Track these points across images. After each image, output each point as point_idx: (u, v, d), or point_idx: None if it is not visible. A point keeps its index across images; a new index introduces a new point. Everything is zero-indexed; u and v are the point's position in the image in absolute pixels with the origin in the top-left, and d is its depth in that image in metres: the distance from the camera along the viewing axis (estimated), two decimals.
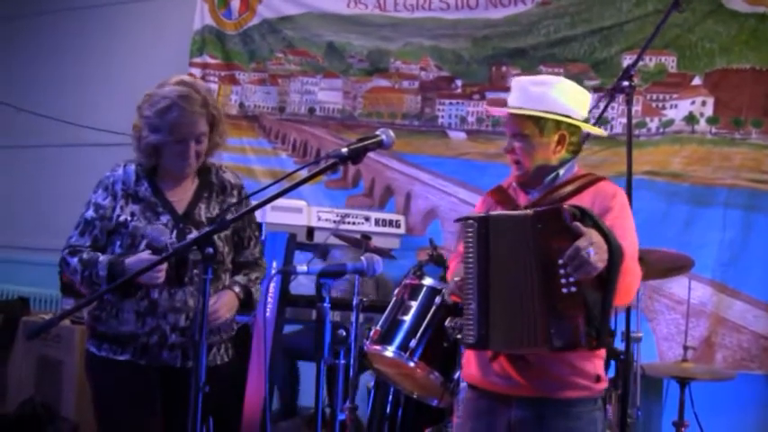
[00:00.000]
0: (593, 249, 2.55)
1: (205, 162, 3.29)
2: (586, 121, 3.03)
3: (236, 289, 3.24)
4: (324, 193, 6.19)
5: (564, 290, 2.61)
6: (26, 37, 8.11)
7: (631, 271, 2.76)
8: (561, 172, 2.99)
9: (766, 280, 5.05)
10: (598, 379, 2.91)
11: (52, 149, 7.72)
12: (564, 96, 2.96)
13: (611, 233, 2.64)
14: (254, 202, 3.06)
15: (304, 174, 2.93)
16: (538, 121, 2.95)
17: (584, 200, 2.90)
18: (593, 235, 2.59)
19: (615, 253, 2.62)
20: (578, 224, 2.61)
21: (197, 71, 6.78)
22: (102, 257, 3.09)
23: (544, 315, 2.65)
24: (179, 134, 3.12)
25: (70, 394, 5.96)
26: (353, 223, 5.01)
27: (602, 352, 2.88)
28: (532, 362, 2.81)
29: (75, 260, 3.11)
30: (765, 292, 5.04)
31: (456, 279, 2.89)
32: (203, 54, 6.83)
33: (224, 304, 3.17)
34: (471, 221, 2.79)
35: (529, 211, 2.76)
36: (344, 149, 2.71)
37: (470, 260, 2.78)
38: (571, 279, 2.59)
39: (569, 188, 2.95)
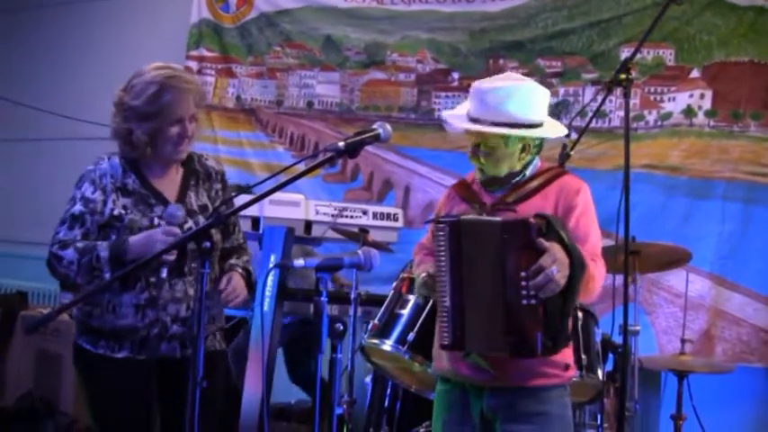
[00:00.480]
0: (556, 267, 2.60)
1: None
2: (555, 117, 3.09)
3: (240, 270, 3.26)
4: (322, 187, 6.19)
5: (524, 301, 2.66)
6: (24, 31, 8.10)
7: (593, 276, 2.80)
8: (527, 173, 3.03)
9: (765, 273, 5.05)
10: (567, 367, 2.98)
11: (50, 143, 7.71)
12: (523, 105, 2.95)
13: (574, 247, 2.69)
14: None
15: (301, 167, 2.92)
16: (502, 135, 2.96)
17: (548, 195, 2.96)
18: (557, 251, 2.63)
19: (577, 267, 2.67)
20: (542, 240, 2.64)
21: (194, 64, 6.78)
22: (100, 242, 3.07)
23: (504, 324, 2.71)
24: (175, 115, 3.11)
25: (69, 388, 5.96)
26: (351, 217, 5.00)
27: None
28: (503, 357, 2.85)
29: (69, 251, 3.06)
30: (764, 285, 5.04)
31: (423, 275, 2.95)
32: (200, 47, 6.81)
33: (238, 283, 3.21)
34: (442, 225, 2.82)
35: (498, 219, 2.80)
36: (341, 143, 2.71)
37: (443, 261, 2.81)
38: (532, 292, 2.64)
39: (534, 184, 3.00)
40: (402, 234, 5.25)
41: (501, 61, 5.86)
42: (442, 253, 2.80)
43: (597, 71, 5.51)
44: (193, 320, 2.93)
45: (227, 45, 6.76)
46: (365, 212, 5.06)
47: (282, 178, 2.78)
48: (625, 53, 5.31)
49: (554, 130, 3.05)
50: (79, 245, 3.08)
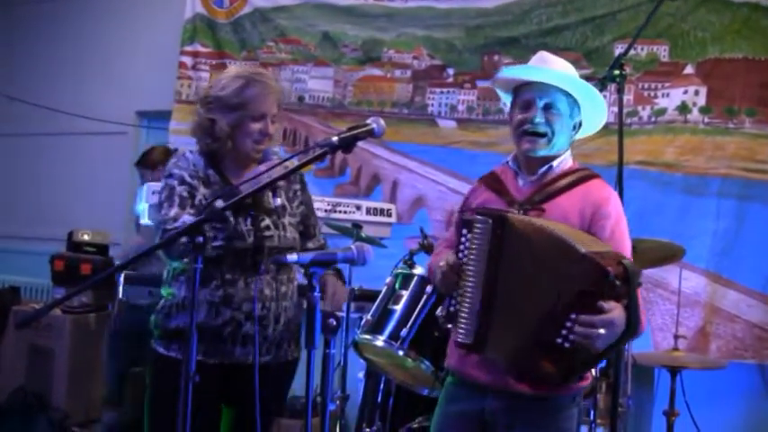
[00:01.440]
0: (606, 331, 2.49)
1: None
2: None
3: (331, 272, 3.23)
4: (312, 182, 6.14)
5: (558, 340, 2.56)
6: (20, 26, 8.08)
7: (642, 321, 2.66)
8: (555, 164, 2.90)
9: (760, 269, 5.05)
10: (580, 377, 2.88)
11: (46, 138, 7.70)
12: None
13: (636, 307, 2.55)
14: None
15: (295, 162, 2.92)
16: (573, 99, 2.90)
17: (574, 197, 2.86)
18: (616, 316, 2.51)
19: (630, 331, 2.56)
20: (606, 304, 2.49)
21: (188, 60, 6.77)
22: (208, 199, 3.03)
23: (527, 349, 2.65)
24: (259, 109, 3.11)
25: (61, 383, 5.97)
26: (345, 212, 5.00)
27: None
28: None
29: (184, 218, 2.98)
30: (759, 282, 5.04)
31: (442, 264, 2.82)
32: (194, 42, 6.80)
33: (337, 287, 3.20)
34: (487, 219, 2.72)
35: (582, 250, 2.53)
36: (335, 138, 2.70)
37: (475, 257, 2.73)
38: (570, 336, 2.54)
39: (563, 182, 2.88)
40: (392, 229, 5.26)
41: (496, 57, 5.86)
42: (477, 248, 2.73)
43: (591, 67, 5.51)
44: (269, 319, 3.00)
45: (221, 40, 6.75)
46: (359, 207, 5.06)
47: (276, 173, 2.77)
48: (619, 49, 5.31)
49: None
50: (190, 210, 3.04)
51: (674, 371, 4.29)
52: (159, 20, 7.18)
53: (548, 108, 2.85)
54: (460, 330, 2.76)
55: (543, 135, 2.84)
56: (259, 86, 3.12)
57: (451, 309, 2.84)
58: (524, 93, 2.89)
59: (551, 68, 2.94)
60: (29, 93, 7.55)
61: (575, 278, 2.53)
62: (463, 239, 2.80)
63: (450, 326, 2.89)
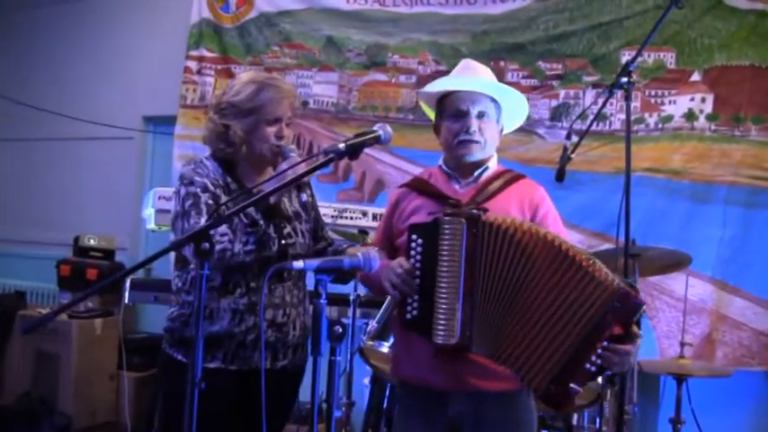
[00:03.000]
0: (634, 356, 2.62)
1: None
2: None
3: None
4: (315, 187, 6.13)
5: (587, 365, 2.61)
6: (22, 29, 8.09)
7: None
8: (489, 165, 3.07)
9: (766, 277, 5.04)
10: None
11: (52, 143, 7.71)
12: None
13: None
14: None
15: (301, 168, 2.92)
16: (497, 104, 3.04)
17: (511, 196, 2.99)
18: (634, 347, 2.62)
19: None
20: (636, 329, 2.61)
21: (194, 64, 6.78)
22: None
23: (556, 365, 2.63)
24: (273, 113, 3.12)
25: (67, 388, 5.98)
26: (351, 218, 4.99)
27: None
28: (470, 358, 2.82)
29: (217, 227, 2.93)
30: (765, 289, 5.03)
31: (399, 270, 2.82)
32: (200, 47, 6.80)
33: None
34: (460, 219, 2.77)
35: (619, 283, 2.61)
36: (342, 145, 2.69)
37: (447, 258, 2.76)
38: (599, 361, 2.60)
39: (497, 184, 3.02)
40: None
41: (502, 63, 5.85)
42: (449, 248, 2.75)
43: (598, 74, 5.51)
44: (289, 326, 3.03)
45: (227, 45, 6.75)
46: (365, 214, 5.06)
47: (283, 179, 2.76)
48: (626, 56, 5.31)
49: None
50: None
51: (680, 378, 4.27)
52: (165, 24, 7.19)
53: (480, 116, 3.00)
54: (439, 332, 2.75)
55: (477, 142, 2.99)
56: (273, 90, 3.13)
57: (413, 313, 2.83)
58: (455, 102, 3.02)
59: (480, 76, 3.11)
60: (35, 97, 7.55)
61: (618, 310, 2.59)
62: (413, 245, 2.83)
63: (412, 331, 2.86)
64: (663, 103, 5.36)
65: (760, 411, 5.14)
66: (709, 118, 5.23)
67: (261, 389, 2.71)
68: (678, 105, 5.31)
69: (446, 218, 2.78)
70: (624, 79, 3.42)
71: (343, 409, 4.70)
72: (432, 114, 3.19)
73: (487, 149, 3.02)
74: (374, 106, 6.28)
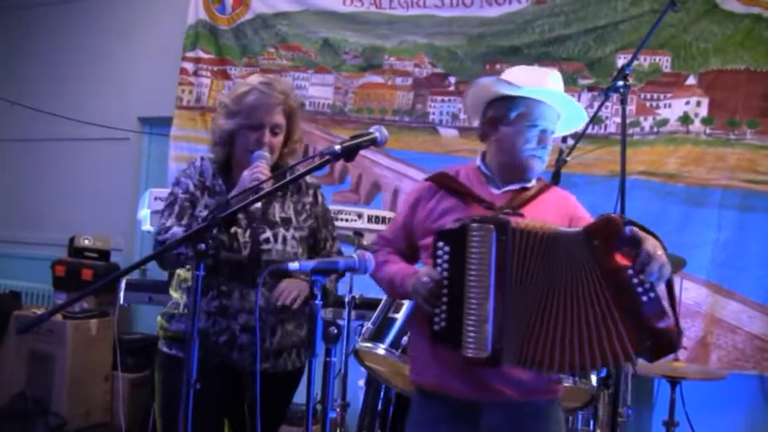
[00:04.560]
0: (660, 250, 2.53)
1: (280, 162, 3.25)
2: None
3: (303, 277, 3.15)
4: None
5: (644, 298, 2.54)
6: (18, 30, 8.09)
7: None
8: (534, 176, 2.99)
9: (761, 280, 5.05)
10: (559, 381, 2.95)
11: (47, 144, 7.71)
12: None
13: (649, 230, 2.62)
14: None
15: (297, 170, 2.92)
16: (559, 117, 2.97)
17: (547, 203, 2.93)
18: (648, 235, 2.58)
19: (663, 245, 2.61)
20: (635, 229, 2.57)
21: (190, 66, 6.78)
22: (198, 212, 3.09)
23: (632, 330, 2.55)
24: (255, 118, 3.12)
25: (61, 389, 5.97)
26: (346, 220, 5.00)
27: None
28: (503, 370, 2.73)
29: (174, 230, 3.03)
30: (760, 293, 5.04)
31: (426, 280, 2.74)
32: (196, 48, 6.80)
33: (288, 285, 3.14)
34: (488, 226, 2.66)
35: (577, 229, 2.66)
36: (338, 147, 2.68)
37: (476, 267, 2.66)
38: (646, 285, 2.53)
39: (532, 191, 2.94)
40: None
41: (498, 66, 5.85)
42: (478, 257, 2.65)
43: (593, 77, 5.52)
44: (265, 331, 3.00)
45: (223, 47, 6.76)
46: (360, 216, 5.06)
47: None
48: (621, 60, 5.32)
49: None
50: (183, 222, 3.07)
51: (674, 381, 4.28)
52: (161, 26, 7.19)
53: (551, 133, 2.93)
54: (470, 345, 2.65)
55: (543, 161, 2.93)
56: (260, 95, 3.13)
57: (441, 325, 2.74)
58: (531, 114, 2.89)
59: (560, 91, 2.97)
60: (31, 98, 7.55)
61: (599, 249, 2.57)
62: (440, 252, 2.75)
63: (440, 343, 2.77)
64: (658, 107, 5.37)
65: (754, 414, 5.15)
66: (705, 122, 5.24)
67: (256, 391, 2.72)
68: (673, 109, 5.33)
69: (474, 224, 2.68)
70: (620, 83, 3.43)
71: (338, 410, 4.70)
72: (476, 102, 3.04)
73: (543, 167, 2.95)
74: (370, 108, 6.28)
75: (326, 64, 6.46)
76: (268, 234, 3.15)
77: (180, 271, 3.17)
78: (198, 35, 6.82)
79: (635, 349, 2.57)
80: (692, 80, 5.30)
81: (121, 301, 5.55)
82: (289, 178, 2.90)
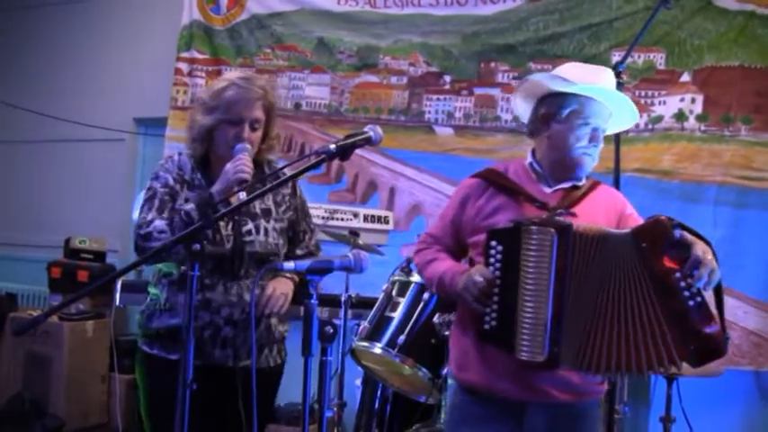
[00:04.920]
0: (710, 255, 2.53)
1: (258, 158, 3.24)
2: None
3: (287, 275, 3.20)
4: (306, 188, 6.11)
5: (690, 302, 2.54)
6: (17, 33, 8.07)
7: None
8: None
9: (756, 277, 5.06)
10: (603, 381, 2.94)
11: (42, 145, 7.69)
12: None
13: (699, 234, 2.62)
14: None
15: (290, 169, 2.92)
16: (611, 115, 2.97)
17: (596, 202, 2.93)
18: (698, 239, 2.58)
19: (712, 248, 2.61)
20: (685, 233, 2.58)
21: (185, 66, 6.77)
22: (179, 205, 3.07)
23: (677, 333, 2.56)
24: (235, 113, 3.11)
25: (58, 390, 5.97)
26: (342, 219, 5.00)
27: None
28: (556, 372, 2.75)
29: (156, 223, 3.00)
30: (755, 289, 5.05)
31: (478, 279, 2.73)
32: (191, 49, 6.79)
33: (276, 289, 3.15)
34: (550, 230, 2.65)
35: (626, 231, 2.68)
36: (332, 146, 2.68)
37: (533, 270, 2.66)
38: (693, 290, 2.53)
39: (581, 189, 2.94)
40: (389, 236, 5.26)
41: (493, 64, 5.87)
42: (536, 260, 2.65)
43: None
44: (250, 323, 2.95)
45: (218, 47, 6.74)
46: (356, 215, 5.07)
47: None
48: (616, 57, 5.32)
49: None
50: (164, 215, 3.05)
51: (671, 378, 4.28)
52: (156, 26, 7.18)
53: (602, 132, 2.94)
54: (524, 348, 2.65)
55: (593, 160, 2.93)
56: (239, 90, 3.12)
57: (492, 324, 2.74)
58: (586, 112, 2.89)
59: (614, 91, 2.97)
60: (25, 100, 7.53)
61: (647, 251, 2.58)
62: (492, 251, 2.74)
63: (489, 342, 2.78)
64: (653, 104, 5.38)
65: (750, 410, 5.16)
66: (699, 118, 5.25)
67: (252, 387, 2.72)
68: (668, 106, 5.33)
69: (533, 227, 2.68)
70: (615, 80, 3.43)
71: (335, 409, 4.71)
72: (527, 98, 3.04)
73: (593, 165, 2.96)
74: (366, 108, 6.28)
75: (322, 64, 6.46)
76: (250, 226, 3.15)
77: (161, 266, 3.16)
78: (192, 35, 6.81)
79: (680, 354, 2.58)
80: (686, 77, 5.31)
81: (117, 303, 5.56)
82: (283, 178, 2.90)
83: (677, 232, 2.57)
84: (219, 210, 2.81)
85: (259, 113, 3.16)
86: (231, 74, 3.27)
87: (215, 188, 3.01)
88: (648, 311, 2.59)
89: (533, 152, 3.03)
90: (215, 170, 3.16)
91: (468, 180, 3.07)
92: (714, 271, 2.52)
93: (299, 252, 3.33)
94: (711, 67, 5.25)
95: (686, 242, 2.56)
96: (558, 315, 2.63)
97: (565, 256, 2.64)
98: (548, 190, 2.93)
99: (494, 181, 2.98)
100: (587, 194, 2.92)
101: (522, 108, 3.08)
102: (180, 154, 3.23)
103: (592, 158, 2.91)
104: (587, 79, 2.90)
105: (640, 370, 2.61)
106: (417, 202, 5.93)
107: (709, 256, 2.53)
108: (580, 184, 2.95)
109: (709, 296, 2.61)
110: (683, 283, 2.54)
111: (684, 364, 2.62)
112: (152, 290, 3.21)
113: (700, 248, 2.53)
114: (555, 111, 2.91)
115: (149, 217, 3.03)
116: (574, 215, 2.78)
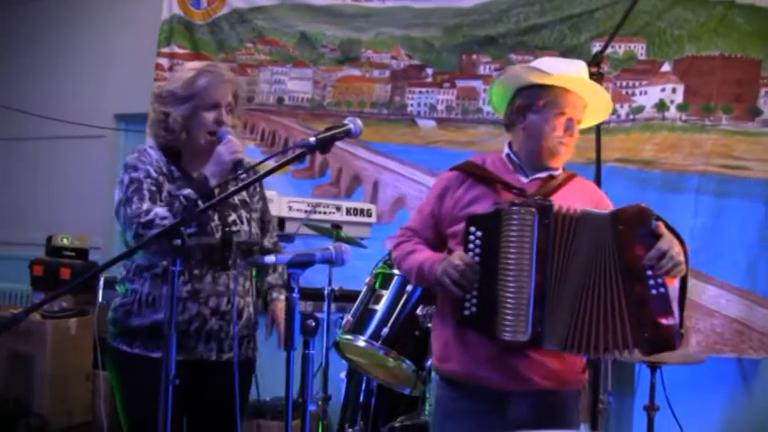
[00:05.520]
0: (677, 248, 2.58)
1: None
2: None
3: (282, 299, 3.30)
4: (290, 183, 6.15)
5: (653, 291, 2.58)
6: None
7: None
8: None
9: (738, 264, 5.10)
10: (584, 369, 2.96)
11: (23, 142, 7.66)
12: None
13: (675, 230, 2.66)
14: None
15: (272, 163, 2.90)
16: (586, 107, 3.00)
17: (573, 192, 2.95)
18: (669, 233, 2.62)
19: (684, 247, 2.65)
20: (660, 225, 2.61)
21: (165, 61, 6.73)
22: (175, 192, 3.04)
23: (634, 319, 2.60)
24: (211, 98, 3.11)
25: (42, 389, 5.93)
26: (325, 213, 4.99)
27: None
28: (533, 357, 2.77)
29: (156, 210, 2.95)
30: (737, 277, 5.09)
31: (458, 263, 2.74)
32: (171, 44, 6.75)
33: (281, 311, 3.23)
34: (524, 210, 2.69)
35: (605, 211, 2.74)
36: (312, 139, 2.68)
37: (515, 251, 2.69)
38: (659, 280, 2.57)
39: (559, 180, 2.97)
40: (372, 229, 5.26)
41: (474, 56, 5.87)
42: (519, 239, 2.68)
43: None
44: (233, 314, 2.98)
45: (198, 42, 6.71)
46: (338, 208, 5.06)
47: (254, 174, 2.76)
48: (597, 47, 5.31)
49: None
50: (160, 203, 3.02)
51: (654, 366, 4.30)
52: (136, 21, 7.14)
53: (577, 123, 2.98)
54: (507, 328, 2.67)
55: (569, 149, 2.97)
56: (210, 76, 3.13)
57: (472, 310, 2.76)
58: (561, 102, 2.92)
59: (590, 81, 3.01)
60: (5, 96, 7.50)
61: (621, 234, 2.62)
62: (471, 237, 2.76)
63: (470, 328, 2.80)
64: (634, 94, 5.40)
65: (733, 397, 5.20)
66: (680, 108, 5.27)
67: (234, 380, 2.72)
68: (649, 96, 5.35)
69: (514, 208, 2.71)
70: (593, 69, 3.44)
71: (320, 403, 4.70)
72: (504, 89, 3.05)
73: (569, 156, 2.99)
74: (349, 102, 6.28)
75: (304, 58, 6.44)
76: (234, 216, 3.16)
77: (139, 261, 3.12)
78: (172, 30, 6.77)
79: (634, 339, 2.61)
80: (666, 67, 5.33)
81: (100, 299, 5.53)
82: (263, 172, 2.89)
83: (654, 223, 2.61)
84: (216, 194, 2.86)
85: (231, 98, 3.18)
86: (192, 64, 3.28)
87: (208, 171, 3.01)
88: (613, 293, 2.63)
89: (510, 144, 3.06)
90: (187, 161, 3.17)
91: (447, 173, 3.09)
92: (678, 266, 2.58)
93: (267, 243, 3.35)
94: (692, 56, 5.28)
95: (658, 233, 2.60)
96: (541, 294, 2.66)
97: (546, 236, 2.67)
98: (524, 180, 2.96)
99: (471, 172, 3.00)
100: (564, 185, 2.96)
101: (497, 101, 3.11)
102: (151, 147, 3.20)
103: (567, 148, 2.95)
104: (562, 71, 2.94)
105: (597, 352, 2.66)
106: (401, 195, 5.94)
107: (676, 250, 2.57)
108: (556, 173, 2.99)
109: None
110: (649, 272, 2.58)
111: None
112: (128, 285, 3.14)
113: (668, 242, 2.58)
114: (531, 102, 2.95)
115: (145, 206, 2.98)
116: (551, 201, 2.79)
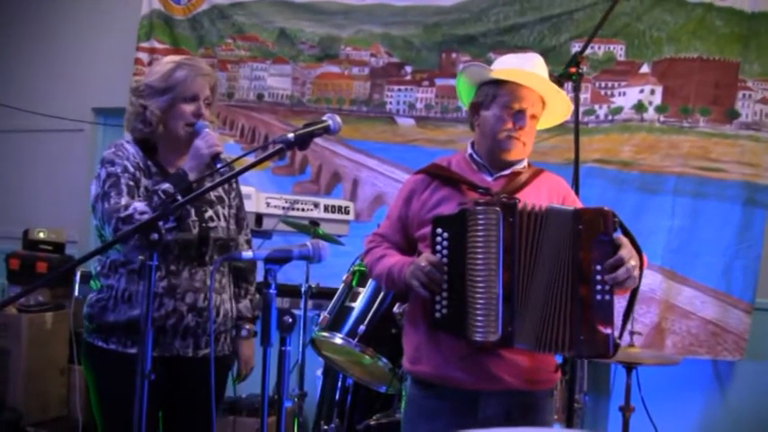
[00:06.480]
0: (634, 262, 2.54)
1: None
2: None
3: (245, 331, 3.33)
4: (270, 180, 6.15)
5: (598, 296, 2.56)
6: None
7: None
8: (524, 161, 3.00)
9: (714, 266, 5.13)
10: (557, 369, 2.95)
11: (0, 135, 7.59)
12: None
13: (636, 241, 2.64)
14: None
15: (250, 159, 2.89)
16: (544, 105, 2.98)
17: (540, 188, 2.94)
18: (629, 244, 2.59)
19: (641, 255, 2.63)
20: (619, 234, 2.59)
21: (145, 56, 6.70)
22: (153, 187, 3.03)
23: (575, 321, 2.59)
24: (189, 90, 3.10)
25: (17, 383, 5.90)
26: (303, 210, 4.98)
27: None
28: (505, 356, 2.77)
29: (135, 205, 2.93)
30: (713, 279, 5.12)
31: (424, 264, 2.74)
32: (151, 39, 6.72)
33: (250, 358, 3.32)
34: (487, 208, 2.69)
35: (570, 208, 2.71)
36: (291, 135, 2.67)
37: (482, 250, 2.68)
38: (606, 287, 2.55)
39: (524, 176, 2.95)
40: (350, 227, 5.26)
41: (454, 55, 5.88)
42: (485, 238, 2.67)
43: (549, 65, 5.44)
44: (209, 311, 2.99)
45: (178, 37, 6.68)
46: (316, 205, 5.05)
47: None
48: (576, 48, 5.33)
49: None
50: (138, 198, 3.01)
51: (630, 367, 4.31)
52: (115, 16, 7.10)
53: (532, 117, 2.93)
54: (478, 329, 2.67)
55: (524, 143, 2.93)
56: (188, 69, 3.12)
57: (443, 312, 2.76)
58: (514, 96, 2.90)
59: (544, 77, 3.00)
60: None
61: (580, 234, 2.59)
62: (438, 239, 2.75)
63: (442, 330, 2.79)
64: (613, 95, 5.43)
65: (708, 398, 5.23)
66: (659, 110, 5.30)
67: (211, 376, 2.70)
68: (628, 97, 5.38)
69: (479, 207, 2.71)
70: (573, 70, 3.45)
71: (296, 400, 4.70)
72: (467, 89, 3.05)
73: (526, 151, 2.96)
74: (328, 99, 6.27)
75: (284, 54, 6.43)
76: (210, 212, 3.15)
77: (114, 256, 3.10)
78: (152, 25, 6.74)
79: (569, 339, 2.61)
80: (645, 68, 5.36)
81: (77, 294, 5.50)
82: (241, 168, 2.88)
83: (617, 231, 2.60)
84: (195, 188, 2.84)
85: (208, 91, 3.17)
86: (169, 58, 3.24)
87: (186, 166, 3.01)
88: (562, 291, 2.62)
89: (473, 144, 3.06)
90: (164, 156, 3.16)
91: (412, 177, 3.09)
92: (631, 279, 2.55)
93: (242, 239, 3.33)
94: (670, 58, 5.31)
95: (618, 243, 2.58)
96: (509, 292, 2.66)
97: (512, 234, 2.67)
98: (489, 179, 2.96)
99: (437, 174, 3.00)
100: (530, 182, 2.95)
101: (466, 102, 3.12)
102: (128, 142, 3.18)
103: (520, 143, 2.92)
104: (513, 66, 2.96)
105: (564, 350, 2.67)
106: (380, 193, 5.94)
107: (633, 264, 2.55)
108: (520, 169, 2.98)
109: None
110: (598, 277, 2.56)
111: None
112: (102, 281, 3.11)
113: (627, 252, 2.56)
114: (482, 99, 2.97)
115: (123, 201, 2.95)
116: (516, 200, 2.78)
